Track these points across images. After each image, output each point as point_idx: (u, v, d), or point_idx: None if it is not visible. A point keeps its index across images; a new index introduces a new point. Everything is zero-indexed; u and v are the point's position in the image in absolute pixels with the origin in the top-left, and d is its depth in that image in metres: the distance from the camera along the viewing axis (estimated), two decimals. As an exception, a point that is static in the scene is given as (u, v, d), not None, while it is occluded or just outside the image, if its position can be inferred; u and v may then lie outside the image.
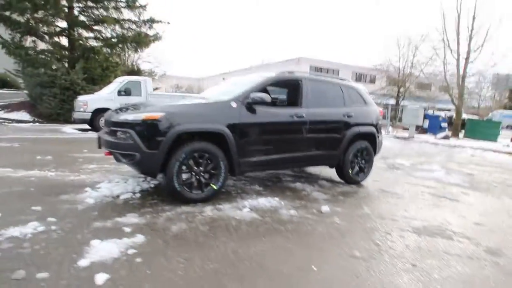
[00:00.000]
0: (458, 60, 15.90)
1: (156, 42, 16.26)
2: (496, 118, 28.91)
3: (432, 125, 17.86)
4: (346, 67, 32.51)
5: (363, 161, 4.82)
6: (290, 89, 4.17)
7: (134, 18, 15.86)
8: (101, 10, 14.97)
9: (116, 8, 15.24)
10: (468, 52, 15.58)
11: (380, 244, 2.67)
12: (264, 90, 3.87)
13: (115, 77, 15.21)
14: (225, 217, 3.05)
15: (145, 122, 3.10)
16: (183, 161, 3.21)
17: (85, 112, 9.89)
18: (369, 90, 30.40)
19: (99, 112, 10.04)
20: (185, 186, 3.26)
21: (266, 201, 3.56)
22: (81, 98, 10.10)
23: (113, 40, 15.26)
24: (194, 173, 3.32)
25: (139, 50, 16.10)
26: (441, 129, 17.03)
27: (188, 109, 3.35)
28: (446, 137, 14.57)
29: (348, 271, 2.18)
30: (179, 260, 2.17)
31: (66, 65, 14.36)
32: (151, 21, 16.23)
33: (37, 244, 2.24)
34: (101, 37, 15.13)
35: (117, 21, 15.32)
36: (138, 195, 3.51)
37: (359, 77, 34.04)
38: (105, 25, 14.80)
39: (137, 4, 15.57)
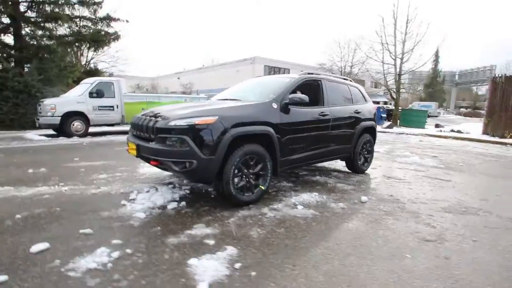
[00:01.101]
0: (395, 60, 17.58)
1: (116, 42, 14.74)
2: (415, 108, 32.83)
3: (377, 117, 19.50)
4: (296, 66, 33.52)
5: (366, 152, 5.03)
6: (313, 89, 4.10)
7: (89, 15, 14.11)
8: (52, 6, 12.98)
9: (69, 4, 13.35)
10: (402, 54, 17.31)
11: (435, 225, 2.80)
12: (293, 91, 3.74)
13: (75, 78, 13.48)
14: (288, 216, 2.90)
15: (200, 127, 2.76)
16: (237, 165, 2.95)
17: (53, 116, 8.53)
18: None
19: (69, 116, 8.77)
20: (238, 190, 3.02)
21: (309, 197, 3.48)
22: (48, 102, 8.66)
23: (68, 38, 13.38)
24: (244, 176, 3.08)
25: (99, 49, 14.38)
26: (381, 119, 18.69)
27: (237, 112, 3.06)
28: (390, 126, 16.04)
29: (431, 254, 2.24)
30: (290, 267, 1.99)
31: (13, 65, 12.19)
32: (108, 18, 14.65)
33: (129, 273, 1.85)
34: (55, 35, 13.12)
35: (70, 18, 13.46)
36: (183, 203, 3.13)
37: (307, 75, 35.45)
38: (60, 22, 12.86)
39: (92, 0, 13.87)
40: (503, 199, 3.83)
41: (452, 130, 14.65)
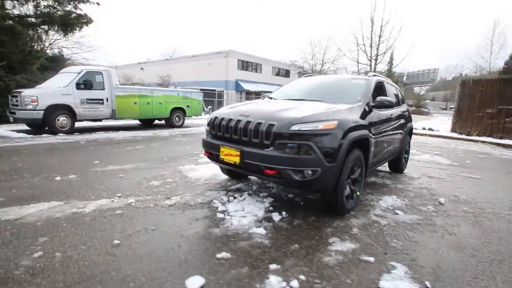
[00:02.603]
0: (370, 61, 18.62)
1: (88, 26, 13.09)
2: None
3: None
4: (268, 62, 33.63)
5: (405, 153, 5.19)
6: (379, 90, 4.04)
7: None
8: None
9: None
10: (377, 55, 18.40)
11: (529, 226, 2.97)
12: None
13: (43, 65, 11.72)
14: (402, 223, 2.82)
15: (323, 132, 2.52)
16: (348, 172, 2.78)
17: (35, 110, 7.28)
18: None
19: (52, 110, 7.58)
20: (345, 197, 2.86)
21: (393, 201, 3.46)
22: (28, 93, 7.35)
23: (32, 19, 11.49)
24: (349, 182, 2.93)
25: (68, 33, 12.62)
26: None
27: (346, 116, 2.85)
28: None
29: None
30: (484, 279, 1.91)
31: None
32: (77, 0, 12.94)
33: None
34: (15, 15, 11.17)
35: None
36: (284, 213, 2.86)
37: (277, 72, 35.79)
38: (21, 1, 10.96)
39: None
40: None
41: (424, 128, 16.02)
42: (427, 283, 1.85)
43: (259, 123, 2.65)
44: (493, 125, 12.43)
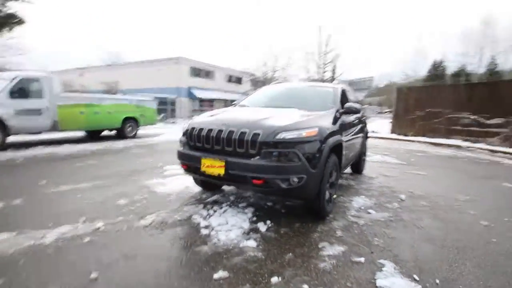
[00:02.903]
0: (319, 69, 19.93)
1: (20, 26, 11.53)
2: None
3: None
4: (220, 69, 33.49)
5: (363, 154, 5.61)
6: (342, 98, 4.30)
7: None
8: None
9: None
10: (324, 65, 19.77)
11: (472, 212, 3.43)
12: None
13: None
14: (379, 222, 3.02)
15: (307, 139, 2.59)
16: (328, 176, 2.90)
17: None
18: (240, 90, 32.60)
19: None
20: (326, 201, 2.96)
21: (363, 201, 3.69)
22: None
23: None
24: (328, 186, 3.04)
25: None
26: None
27: (324, 122, 2.96)
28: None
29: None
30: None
31: None
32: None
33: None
34: None
35: None
36: (268, 222, 2.84)
37: (231, 79, 35.87)
38: None
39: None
40: (473, 191, 4.97)
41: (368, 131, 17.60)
42: (415, 276, 2.00)
43: (243, 133, 2.60)
44: (424, 126, 14.19)
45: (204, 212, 3.06)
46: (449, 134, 13.05)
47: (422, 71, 43.81)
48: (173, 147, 8.15)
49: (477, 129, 12.37)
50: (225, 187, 4.01)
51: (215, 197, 3.62)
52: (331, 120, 3.21)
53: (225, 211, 3.11)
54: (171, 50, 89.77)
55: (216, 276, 1.92)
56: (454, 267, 2.16)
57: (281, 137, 2.52)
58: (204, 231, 2.61)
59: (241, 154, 2.61)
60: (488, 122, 12.46)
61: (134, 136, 10.38)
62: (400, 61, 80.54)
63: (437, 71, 46.60)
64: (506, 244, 2.59)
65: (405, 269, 2.10)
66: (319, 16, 63.65)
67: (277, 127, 2.60)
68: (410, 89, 15.10)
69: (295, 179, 2.53)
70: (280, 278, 1.92)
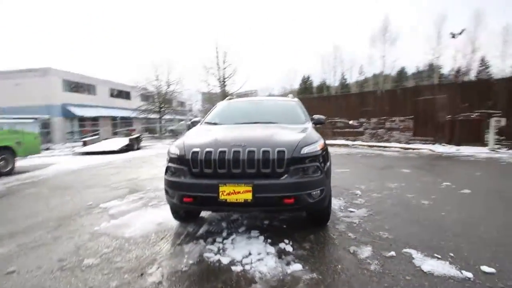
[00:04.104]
0: (221, 83, 20.43)
1: None
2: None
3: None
4: (104, 83, 29.06)
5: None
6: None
7: None
8: None
9: None
10: (224, 78, 20.43)
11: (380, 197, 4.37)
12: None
13: None
14: (364, 217, 3.39)
15: (320, 152, 2.67)
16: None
17: None
18: (131, 106, 29.65)
19: None
20: (327, 208, 3.13)
21: (337, 202, 4.06)
22: None
23: None
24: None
25: None
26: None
27: (315, 134, 3.08)
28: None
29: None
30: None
31: None
32: None
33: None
34: None
35: None
36: (288, 241, 2.74)
37: (118, 94, 31.71)
38: None
39: None
40: (381, 173, 6.28)
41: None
42: (437, 255, 2.39)
43: (266, 151, 2.44)
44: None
45: (213, 247, 2.66)
46: (334, 135, 15.92)
47: (295, 84, 52.25)
48: (83, 179, 6.57)
49: (350, 130, 15.73)
50: (203, 214, 3.59)
51: (204, 228, 3.18)
52: (316, 132, 3.42)
53: (233, 240, 2.80)
54: (40, 61, 70.71)
55: None
56: (445, 240, 2.71)
57: (305, 152, 2.52)
58: (236, 268, 2.28)
59: (267, 175, 2.43)
60: (350, 123, 16.14)
61: (10, 172, 7.68)
62: (278, 76, 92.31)
63: (306, 85, 56.36)
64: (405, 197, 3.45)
65: (427, 253, 2.46)
66: (214, 31, 65.78)
67: (298, 142, 2.58)
68: (302, 100, 17.57)
69: (318, 192, 2.57)
70: (358, 292, 1.92)
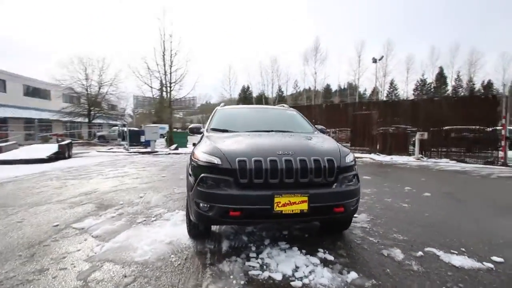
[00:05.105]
0: (168, 87, 19.17)
1: None
2: (147, 130, 36.20)
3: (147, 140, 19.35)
4: (16, 78, 24.02)
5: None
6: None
7: None
8: None
9: None
10: (170, 83, 19.28)
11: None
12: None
13: None
14: (369, 221, 3.62)
15: (354, 161, 2.76)
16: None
17: None
18: (50, 107, 26.34)
19: None
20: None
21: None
22: None
23: None
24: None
25: None
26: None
27: (336, 143, 3.19)
28: (176, 148, 17.32)
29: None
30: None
31: None
32: None
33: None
34: None
35: None
36: (323, 251, 2.72)
37: (34, 92, 26.63)
38: None
39: None
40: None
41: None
42: (463, 249, 2.72)
43: (317, 160, 2.40)
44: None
45: (253, 264, 2.46)
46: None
47: (234, 94, 53.47)
48: (20, 194, 5.30)
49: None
50: (214, 228, 3.29)
51: (226, 244, 2.92)
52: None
53: (269, 254, 2.64)
54: None
55: None
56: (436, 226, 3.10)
57: (349, 160, 2.58)
58: (296, 284, 2.15)
59: (319, 184, 2.39)
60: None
61: None
62: (215, 85, 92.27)
63: (246, 94, 57.86)
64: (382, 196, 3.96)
65: (447, 248, 2.77)
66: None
67: (339, 151, 2.62)
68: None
69: (356, 200, 2.65)
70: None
